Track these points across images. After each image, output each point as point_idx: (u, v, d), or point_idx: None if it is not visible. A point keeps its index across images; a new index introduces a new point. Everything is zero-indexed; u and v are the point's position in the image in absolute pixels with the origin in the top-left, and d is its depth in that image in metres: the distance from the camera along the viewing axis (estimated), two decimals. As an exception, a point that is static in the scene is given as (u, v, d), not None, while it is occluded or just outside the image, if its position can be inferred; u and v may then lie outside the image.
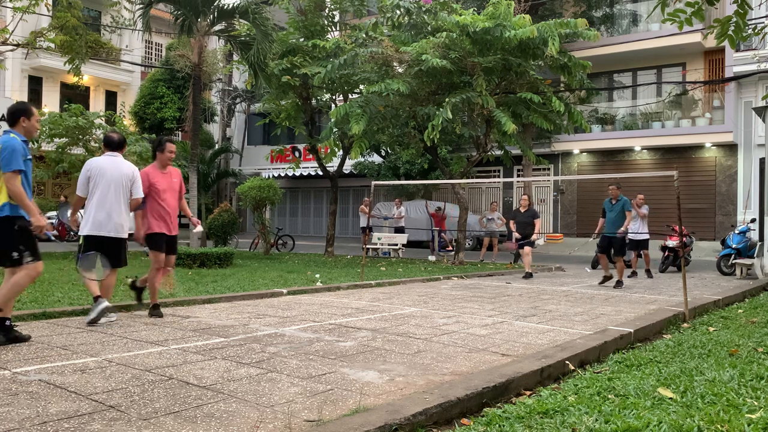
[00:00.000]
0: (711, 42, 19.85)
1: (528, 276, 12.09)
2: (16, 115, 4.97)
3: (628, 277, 12.54)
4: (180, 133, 28.54)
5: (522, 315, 7.11)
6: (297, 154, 27.93)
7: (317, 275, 10.69)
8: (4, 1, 16.27)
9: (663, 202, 18.89)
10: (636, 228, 12.66)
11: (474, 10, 15.34)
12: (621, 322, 6.53)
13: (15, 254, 4.73)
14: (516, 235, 12.77)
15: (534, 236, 12.66)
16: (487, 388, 3.70)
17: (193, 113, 15.17)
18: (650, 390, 3.81)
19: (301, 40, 16.39)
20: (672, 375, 4.22)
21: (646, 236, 12.81)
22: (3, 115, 5.13)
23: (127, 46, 28.42)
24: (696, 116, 21.33)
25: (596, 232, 11.08)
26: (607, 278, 10.78)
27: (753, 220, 15.01)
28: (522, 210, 12.80)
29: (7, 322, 4.80)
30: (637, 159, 22.24)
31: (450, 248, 16.97)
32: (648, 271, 12.83)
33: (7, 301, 4.80)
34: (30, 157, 4.93)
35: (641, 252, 13.29)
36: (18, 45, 16.13)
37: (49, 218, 20.99)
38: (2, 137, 4.86)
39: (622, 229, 10.50)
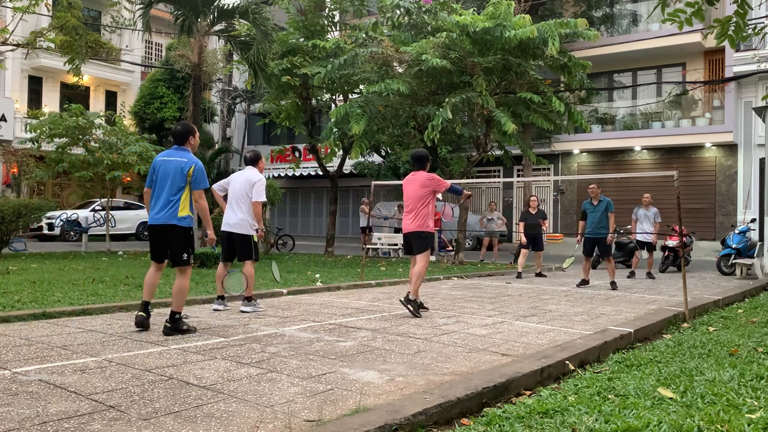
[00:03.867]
0: (711, 42, 19.85)
1: (519, 276, 12.21)
2: (186, 134, 5.70)
3: (627, 277, 12.54)
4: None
5: (522, 315, 7.11)
6: (297, 154, 27.93)
7: (317, 275, 10.68)
8: (4, 1, 16.28)
9: (663, 202, 18.86)
10: (644, 229, 12.67)
11: (474, 10, 15.33)
12: (621, 322, 6.53)
13: (185, 255, 5.58)
14: (524, 240, 12.67)
15: (545, 226, 12.79)
16: (487, 388, 3.70)
17: (193, 113, 15.18)
18: (650, 390, 3.81)
19: (301, 40, 16.39)
20: (672, 375, 4.22)
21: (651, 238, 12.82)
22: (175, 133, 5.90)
23: (127, 46, 28.40)
24: (696, 116, 21.32)
25: (579, 233, 10.94)
26: (585, 282, 10.64)
27: (753, 220, 15.01)
28: (532, 211, 12.83)
29: (177, 316, 5.52)
30: (637, 159, 22.24)
31: (450, 248, 16.96)
32: (649, 273, 12.84)
33: (183, 301, 5.62)
34: None
35: (641, 253, 13.30)
36: (18, 45, 16.14)
37: (48, 218, 20.98)
38: (187, 156, 5.58)
39: (610, 232, 10.40)
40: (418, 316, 6.77)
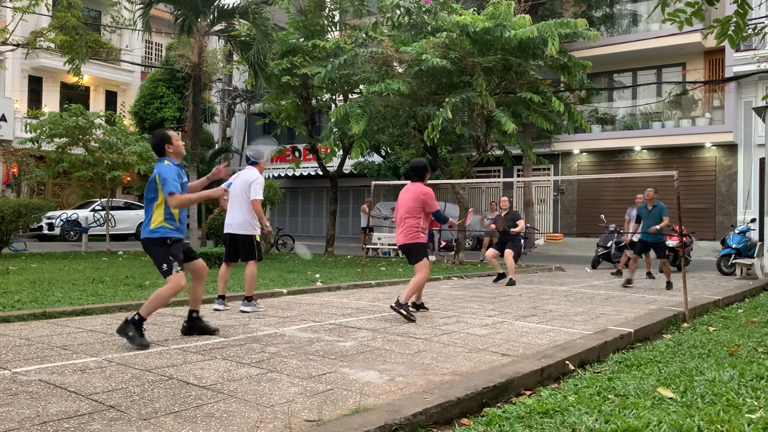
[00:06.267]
0: (711, 42, 19.84)
1: (511, 283, 10.68)
2: (162, 143, 5.34)
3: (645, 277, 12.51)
4: (180, 133, 28.52)
5: (522, 315, 7.11)
6: (297, 154, 27.94)
7: (317, 275, 10.69)
8: (4, 1, 16.28)
9: (663, 202, 18.89)
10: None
11: (474, 10, 15.33)
12: (621, 322, 6.53)
13: (165, 266, 5.14)
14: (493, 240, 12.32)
15: (518, 229, 11.09)
16: (487, 388, 3.70)
17: (193, 113, 15.17)
18: (650, 390, 3.81)
19: (301, 40, 16.39)
20: (672, 375, 4.22)
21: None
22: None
23: (127, 46, 28.40)
24: (696, 116, 21.33)
25: (630, 233, 11.02)
26: (629, 281, 10.72)
27: (753, 220, 15.01)
28: (503, 214, 11.45)
29: (136, 318, 5.01)
30: (637, 159, 22.24)
31: (449, 247, 16.96)
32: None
33: (154, 308, 5.10)
34: (186, 180, 5.37)
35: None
36: (18, 45, 16.15)
37: (48, 218, 20.98)
38: (159, 165, 5.32)
39: (656, 228, 10.48)
40: (412, 320, 6.55)
